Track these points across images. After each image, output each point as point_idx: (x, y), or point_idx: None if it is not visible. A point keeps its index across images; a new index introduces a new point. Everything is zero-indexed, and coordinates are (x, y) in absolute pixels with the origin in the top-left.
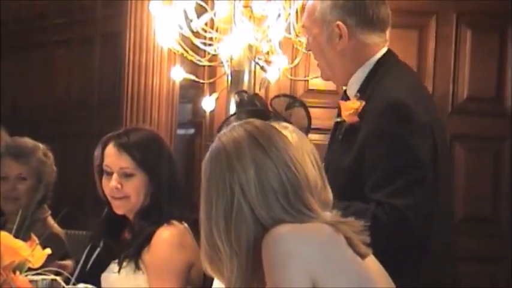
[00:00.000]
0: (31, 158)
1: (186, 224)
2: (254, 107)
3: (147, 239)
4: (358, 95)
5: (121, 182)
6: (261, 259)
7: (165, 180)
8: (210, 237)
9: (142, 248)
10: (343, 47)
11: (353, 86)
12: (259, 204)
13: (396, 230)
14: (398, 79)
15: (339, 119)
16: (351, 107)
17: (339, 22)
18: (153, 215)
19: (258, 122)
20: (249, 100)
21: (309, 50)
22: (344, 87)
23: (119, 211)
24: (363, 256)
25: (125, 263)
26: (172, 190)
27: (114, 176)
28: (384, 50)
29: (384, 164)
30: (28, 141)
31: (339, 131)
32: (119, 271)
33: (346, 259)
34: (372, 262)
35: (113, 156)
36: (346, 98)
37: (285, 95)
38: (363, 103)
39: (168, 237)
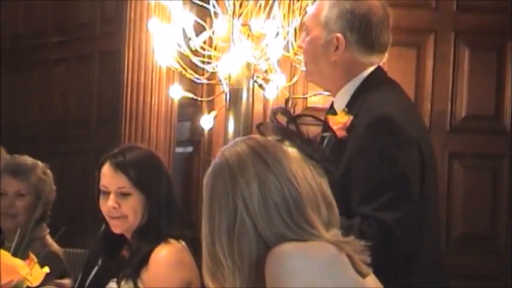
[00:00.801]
0: (30, 175)
1: (183, 243)
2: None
3: (145, 258)
4: (346, 109)
5: (118, 201)
6: (263, 275)
7: (162, 199)
8: (213, 252)
9: (140, 267)
10: (336, 58)
11: (341, 100)
12: (262, 219)
13: (383, 244)
14: (387, 95)
15: (326, 134)
16: (339, 122)
17: (339, 34)
18: (151, 233)
19: (260, 137)
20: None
21: (300, 47)
22: (331, 99)
23: (117, 230)
24: (363, 276)
25: (123, 282)
26: (170, 208)
27: (111, 196)
28: (372, 68)
29: (370, 178)
30: (28, 159)
31: (327, 145)
32: None
33: (350, 279)
34: (372, 282)
35: (109, 176)
36: (333, 111)
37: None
38: (351, 118)
39: (165, 255)
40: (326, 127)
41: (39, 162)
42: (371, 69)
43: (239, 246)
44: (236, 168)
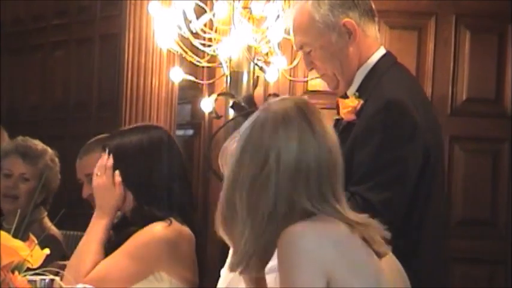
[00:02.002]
0: (38, 160)
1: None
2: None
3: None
4: (357, 93)
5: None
6: (272, 242)
7: (145, 185)
8: (231, 197)
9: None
10: (353, 46)
11: (352, 86)
12: (289, 180)
13: None
14: (397, 80)
15: (337, 117)
16: (349, 105)
17: (345, 20)
18: (135, 217)
19: (309, 101)
20: (247, 101)
21: (312, 68)
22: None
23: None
24: (380, 255)
25: None
26: (153, 193)
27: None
28: (383, 51)
29: (368, 160)
30: (39, 144)
31: (337, 129)
32: None
33: (362, 259)
34: (389, 261)
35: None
36: (345, 96)
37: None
38: (361, 101)
39: (158, 229)
40: (337, 111)
41: (49, 149)
42: (380, 53)
43: (258, 197)
44: (280, 122)
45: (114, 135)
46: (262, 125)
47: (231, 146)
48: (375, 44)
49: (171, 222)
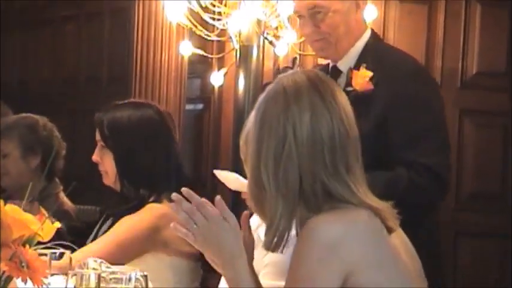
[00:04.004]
0: (11, 132)
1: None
2: None
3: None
4: (365, 65)
5: (99, 154)
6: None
7: (137, 162)
8: (258, 176)
9: None
10: (357, 15)
11: (347, 60)
12: (307, 151)
13: (433, 189)
14: (402, 52)
15: (350, 88)
16: (366, 75)
17: None
18: (126, 196)
19: (320, 72)
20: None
21: (311, 31)
22: (329, 63)
23: (105, 182)
24: (391, 231)
25: None
26: (143, 174)
27: (96, 148)
28: (370, 29)
29: (413, 124)
30: (10, 117)
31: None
32: None
33: (384, 248)
34: (399, 236)
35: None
36: (334, 71)
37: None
38: (371, 73)
39: (146, 214)
40: (349, 82)
41: (29, 118)
42: (369, 30)
43: (285, 173)
44: (292, 95)
45: (107, 108)
46: (275, 99)
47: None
48: (365, 21)
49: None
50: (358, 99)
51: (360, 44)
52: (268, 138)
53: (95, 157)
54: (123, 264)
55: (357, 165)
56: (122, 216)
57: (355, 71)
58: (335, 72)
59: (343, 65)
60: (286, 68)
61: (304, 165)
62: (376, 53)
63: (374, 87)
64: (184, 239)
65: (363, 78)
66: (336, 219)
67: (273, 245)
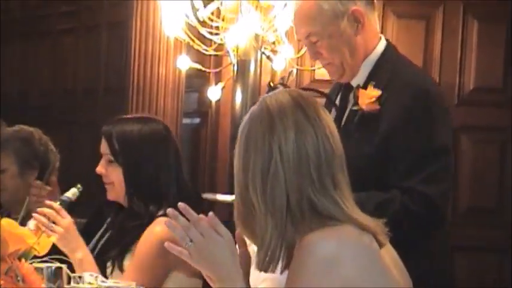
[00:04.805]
0: (7, 145)
1: None
2: None
3: (131, 239)
4: (374, 83)
5: (106, 167)
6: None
7: (146, 177)
8: (246, 195)
9: (125, 248)
10: (361, 33)
11: (359, 76)
12: (293, 169)
13: (427, 218)
14: (415, 70)
15: (355, 108)
16: (372, 95)
17: (353, 8)
18: (135, 211)
19: (303, 92)
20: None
21: (317, 59)
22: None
23: (109, 197)
24: (380, 245)
25: (109, 263)
26: (161, 186)
27: (102, 160)
28: (385, 41)
29: (413, 151)
30: (5, 131)
31: (351, 119)
32: (111, 273)
33: (376, 264)
34: (389, 251)
35: (102, 142)
36: (347, 87)
37: (311, 89)
38: (380, 92)
39: (157, 232)
40: (356, 101)
41: (22, 131)
42: (383, 43)
43: (272, 191)
44: (276, 114)
45: (115, 122)
46: (259, 119)
47: None
48: (377, 33)
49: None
50: (364, 119)
51: (373, 58)
52: (255, 157)
53: (100, 169)
54: None
55: (343, 180)
56: (130, 229)
57: (361, 90)
58: (348, 89)
59: (355, 81)
60: (278, 84)
61: (291, 183)
62: (387, 69)
63: (381, 107)
64: None
65: (369, 98)
66: (331, 235)
67: (265, 264)
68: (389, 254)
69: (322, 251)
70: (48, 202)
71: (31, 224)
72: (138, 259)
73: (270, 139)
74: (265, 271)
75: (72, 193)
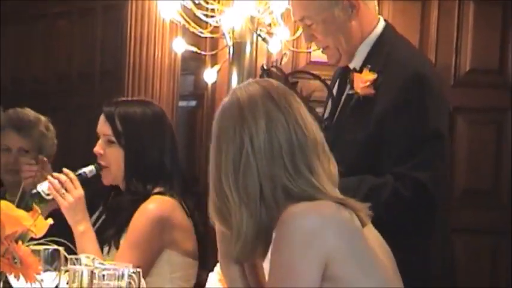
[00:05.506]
0: (33, 131)
1: (178, 201)
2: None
3: (126, 219)
4: (369, 67)
5: (104, 148)
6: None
7: (146, 156)
8: (219, 187)
9: (122, 228)
10: (356, 19)
11: (356, 59)
12: (265, 158)
13: (419, 204)
14: (411, 53)
15: (351, 92)
16: (367, 79)
17: None
18: (133, 190)
19: (273, 80)
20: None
21: (311, 41)
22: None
23: (105, 181)
24: (363, 225)
25: (106, 244)
26: (158, 167)
27: (99, 141)
28: (383, 22)
29: (405, 136)
30: (30, 113)
31: (348, 103)
32: (108, 253)
33: (358, 240)
34: (371, 229)
35: (100, 123)
36: (346, 70)
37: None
38: (375, 75)
39: (152, 209)
40: (351, 85)
41: (42, 117)
42: (381, 25)
43: (244, 181)
44: (246, 105)
45: (117, 103)
46: (230, 112)
47: None
48: (375, 15)
49: (161, 195)
50: (359, 103)
51: (370, 41)
52: (226, 149)
53: (98, 150)
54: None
55: (320, 166)
56: (126, 206)
57: (356, 74)
58: (347, 72)
59: (353, 64)
60: (271, 67)
61: (264, 172)
62: (384, 52)
63: (375, 91)
64: (186, 234)
65: (363, 82)
66: (311, 208)
67: (244, 254)
68: (372, 234)
69: (303, 225)
70: (65, 170)
71: (44, 185)
72: (132, 235)
73: (240, 130)
74: (246, 261)
75: (89, 170)
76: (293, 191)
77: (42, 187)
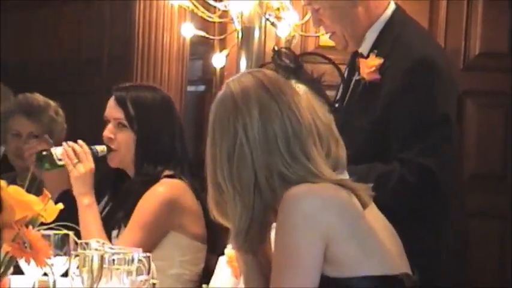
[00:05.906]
0: (43, 116)
1: (187, 184)
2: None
3: (136, 200)
4: (376, 51)
5: (114, 132)
6: (266, 212)
7: (157, 140)
8: (214, 178)
9: (131, 213)
10: (362, 3)
11: (365, 44)
12: (260, 147)
13: (425, 190)
14: (419, 36)
15: (358, 77)
16: (372, 64)
17: None
18: (143, 173)
19: (267, 70)
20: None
21: (319, 26)
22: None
23: (112, 164)
24: (365, 206)
25: (115, 227)
26: (169, 151)
27: (109, 125)
28: (393, 6)
29: (412, 121)
30: (40, 98)
31: (355, 89)
32: (117, 236)
33: (358, 221)
34: (373, 210)
35: (110, 107)
36: (356, 55)
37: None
38: (382, 60)
39: (162, 192)
40: (358, 71)
41: (51, 102)
42: (391, 9)
43: (238, 171)
44: (239, 96)
45: (127, 88)
46: (223, 103)
47: None
48: (385, 1)
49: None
50: (366, 89)
51: (378, 26)
52: (221, 141)
53: (107, 134)
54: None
55: (317, 151)
56: (136, 189)
57: (362, 60)
58: (355, 57)
59: (362, 49)
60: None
61: (258, 161)
62: (391, 37)
63: (381, 77)
64: (195, 218)
65: (369, 67)
66: (311, 190)
67: (244, 245)
68: (374, 216)
69: (303, 205)
70: (80, 142)
71: (59, 150)
72: (140, 216)
73: (234, 121)
74: (246, 252)
75: (101, 149)
76: (289, 177)
77: (57, 150)
